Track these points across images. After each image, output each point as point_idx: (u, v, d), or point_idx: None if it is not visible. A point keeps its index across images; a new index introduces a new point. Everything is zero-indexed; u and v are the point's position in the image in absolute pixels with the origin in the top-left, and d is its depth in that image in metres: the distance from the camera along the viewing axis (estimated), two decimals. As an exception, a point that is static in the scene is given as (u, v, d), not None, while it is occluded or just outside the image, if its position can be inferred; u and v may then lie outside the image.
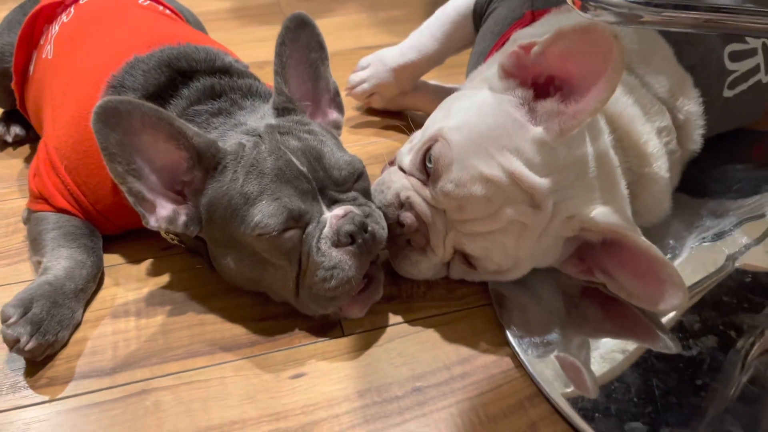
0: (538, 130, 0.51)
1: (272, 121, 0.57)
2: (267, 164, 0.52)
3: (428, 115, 0.87)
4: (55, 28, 0.71)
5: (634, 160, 0.57)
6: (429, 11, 1.28)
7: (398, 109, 0.89)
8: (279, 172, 0.52)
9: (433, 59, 0.80)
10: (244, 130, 0.56)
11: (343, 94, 0.87)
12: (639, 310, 0.55)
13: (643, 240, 0.51)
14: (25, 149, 0.85)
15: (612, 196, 0.54)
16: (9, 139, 0.84)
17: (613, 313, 0.55)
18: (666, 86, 0.61)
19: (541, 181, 0.50)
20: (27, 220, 0.66)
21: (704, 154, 0.69)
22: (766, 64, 0.70)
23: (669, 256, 0.58)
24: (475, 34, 0.75)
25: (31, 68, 0.74)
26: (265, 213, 0.51)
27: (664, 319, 0.53)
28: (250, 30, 1.22)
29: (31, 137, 0.86)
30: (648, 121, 0.58)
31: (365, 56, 0.89)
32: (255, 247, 0.53)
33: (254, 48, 1.14)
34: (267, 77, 1.07)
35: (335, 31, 1.19)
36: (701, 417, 0.46)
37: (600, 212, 0.52)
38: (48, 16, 0.73)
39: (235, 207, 0.52)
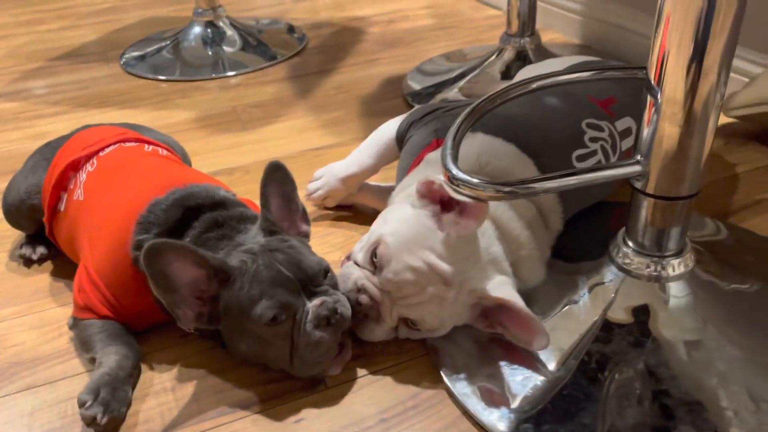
0: (443, 235, 0.77)
1: (263, 241, 0.80)
2: (264, 275, 0.75)
3: (370, 207, 1.13)
4: (83, 176, 0.93)
5: (513, 246, 0.84)
6: (363, 109, 1.56)
7: (348, 204, 1.14)
8: (273, 279, 0.75)
9: (370, 171, 1.06)
10: (243, 250, 0.79)
11: (302, 194, 1.13)
12: (527, 350, 0.80)
13: (521, 304, 0.76)
14: (49, 265, 1.05)
15: (498, 273, 0.80)
16: (35, 257, 1.04)
17: (511, 352, 0.80)
18: (532, 190, 0.88)
19: (448, 268, 0.76)
20: (73, 326, 0.87)
21: (574, 226, 0.97)
22: (605, 158, 0.98)
23: (542, 314, 0.84)
24: (399, 152, 1.01)
25: (62, 206, 0.95)
26: (265, 307, 0.74)
27: (544, 354, 0.79)
28: (215, 138, 1.46)
29: (52, 254, 1.06)
30: (520, 218, 0.85)
31: (316, 162, 1.14)
32: (260, 333, 0.76)
33: (222, 156, 1.38)
34: (237, 182, 1.31)
35: (287, 136, 1.44)
36: (567, 415, 0.72)
37: (491, 286, 0.78)
38: (74, 167, 0.95)
39: (244, 307, 0.75)
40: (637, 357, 0.75)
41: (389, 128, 1.04)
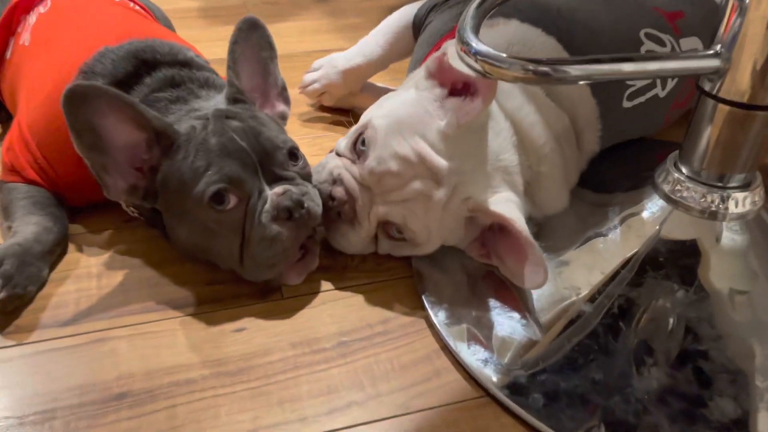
0: (441, 123, 0.61)
1: (222, 107, 0.65)
2: (212, 142, 0.60)
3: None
4: (33, 18, 0.78)
5: (533, 160, 0.67)
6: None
7: (347, 108, 0.98)
8: (222, 147, 0.60)
9: (378, 64, 0.89)
10: (196, 116, 0.64)
11: (297, 92, 0.97)
12: (519, 291, 0.64)
13: (520, 225, 0.60)
14: (-2, 129, 0.91)
15: (506, 187, 0.64)
16: (-19, 118, 0.90)
17: (503, 290, 0.64)
18: (566, 95, 0.71)
19: (442, 162, 0.60)
20: (-1, 190, 0.73)
21: (612, 157, 0.80)
22: (662, 81, 0.80)
23: (559, 248, 0.68)
24: (415, 43, 0.84)
25: (8, 53, 0.80)
26: (209, 181, 0.59)
27: (554, 293, 0.63)
28: (217, 29, 1.30)
29: (3, 118, 0.92)
30: (547, 126, 0.68)
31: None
32: (204, 218, 0.61)
33: (220, 46, 1.19)
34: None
35: (296, 34, 1.28)
36: (572, 366, 0.56)
37: (492, 200, 0.62)
38: (26, 7, 0.80)
39: (185, 180, 0.60)
40: (673, 307, 0.59)
41: (405, 13, 0.87)
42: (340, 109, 0.98)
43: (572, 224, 0.71)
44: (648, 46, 0.79)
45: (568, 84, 0.69)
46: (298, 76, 1.00)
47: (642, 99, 0.79)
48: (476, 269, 0.68)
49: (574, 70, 0.54)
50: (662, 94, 0.81)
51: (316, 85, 0.93)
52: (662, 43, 0.80)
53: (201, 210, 0.60)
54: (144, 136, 0.61)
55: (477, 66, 0.55)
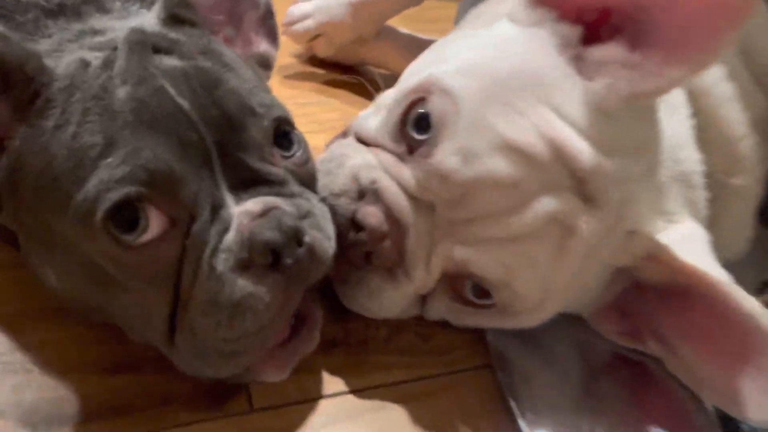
0: (594, 86, 0.32)
1: (147, 28, 0.33)
2: (120, 95, 0.29)
3: (395, 71, 0.65)
4: None
5: (719, 163, 0.39)
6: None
7: (352, 63, 0.66)
8: (139, 108, 0.29)
9: (406, -1, 0.58)
10: (93, 44, 0.32)
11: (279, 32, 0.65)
12: (694, 402, 0.36)
13: (745, 297, 0.32)
14: None
15: (686, 210, 0.36)
16: None
17: (665, 400, 0.36)
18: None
19: (602, 161, 0.32)
20: None
21: None
22: None
23: None
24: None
25: None
26: (109, 179, 0.27)
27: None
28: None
29: None
30: (746, 107, 0.39)
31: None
32: (95, 255, 0.29)
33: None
34: None
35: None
36: None
37: (678, 237, 0.33)
38: None
39: (58, 174, 0.29)
40: None
41: None
42: (340, 64, 0.66)
43: (752, 275, 0.42)
44: None
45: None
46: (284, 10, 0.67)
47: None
48: (604, 349, 0.39)
49: None
50: None
51: (308, 22, 0.61)
52: None
53: (89, 238, 0.29)
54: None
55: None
